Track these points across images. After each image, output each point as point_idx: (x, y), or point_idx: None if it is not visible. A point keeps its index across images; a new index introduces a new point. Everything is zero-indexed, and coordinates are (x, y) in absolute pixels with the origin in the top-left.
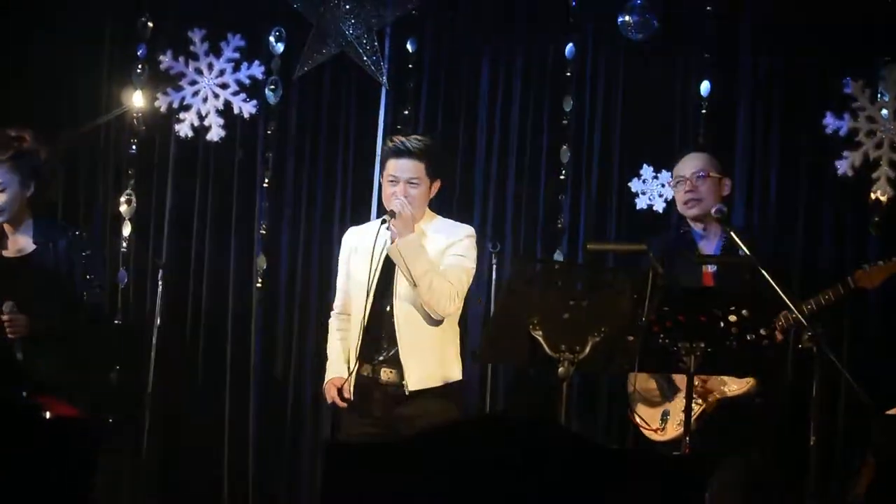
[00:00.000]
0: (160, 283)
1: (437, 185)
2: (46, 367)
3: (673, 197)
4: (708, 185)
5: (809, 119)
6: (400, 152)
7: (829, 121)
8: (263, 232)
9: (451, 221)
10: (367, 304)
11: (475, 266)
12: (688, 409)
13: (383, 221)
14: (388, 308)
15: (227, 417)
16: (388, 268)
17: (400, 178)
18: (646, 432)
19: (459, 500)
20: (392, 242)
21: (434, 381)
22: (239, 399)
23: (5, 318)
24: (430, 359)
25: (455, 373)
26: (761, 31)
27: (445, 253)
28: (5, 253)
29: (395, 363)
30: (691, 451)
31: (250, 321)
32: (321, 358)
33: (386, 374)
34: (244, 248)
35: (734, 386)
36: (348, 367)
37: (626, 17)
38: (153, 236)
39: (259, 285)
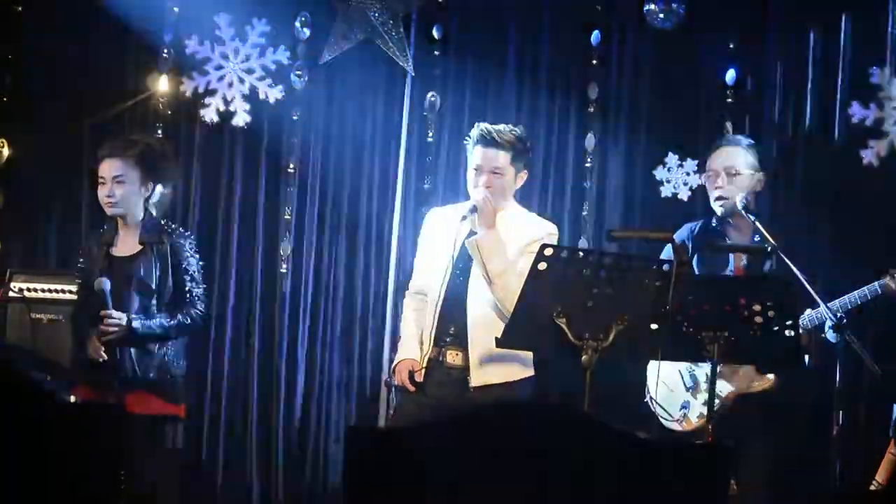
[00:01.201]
0: None
1: (522, 175)
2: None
3: (698, 186)
4: (738, 182)
5: (835, 108)
6: (486, 141)
7: (856, 110)
8: (289, 217)
9: (535, 216)
10: (444, 287)
11: None
12: (711, 398)
13: (463, 218)
14: (460, 294)
15: (255, 401)
16: (466, 257)
17: (485, 167)
18: (665, 423)
19: (482, 486)
20: (470, 234)
21: (500, 377)
22: (266, 385)
23: (108, 322)
24: (499, 355)
25: (525, 369)
26: (787, 20)
27: (526, 251)
28: (115, 251)
29: (462, 348)
30: (715, 440)
31: (276, 305)
32: (348, 344)
33: (452, 357)
34: (270, 233)
35: (757, 382)
36: (421, 350)
37: (652, 5)
38: (179, 221)
39: (284, 270)
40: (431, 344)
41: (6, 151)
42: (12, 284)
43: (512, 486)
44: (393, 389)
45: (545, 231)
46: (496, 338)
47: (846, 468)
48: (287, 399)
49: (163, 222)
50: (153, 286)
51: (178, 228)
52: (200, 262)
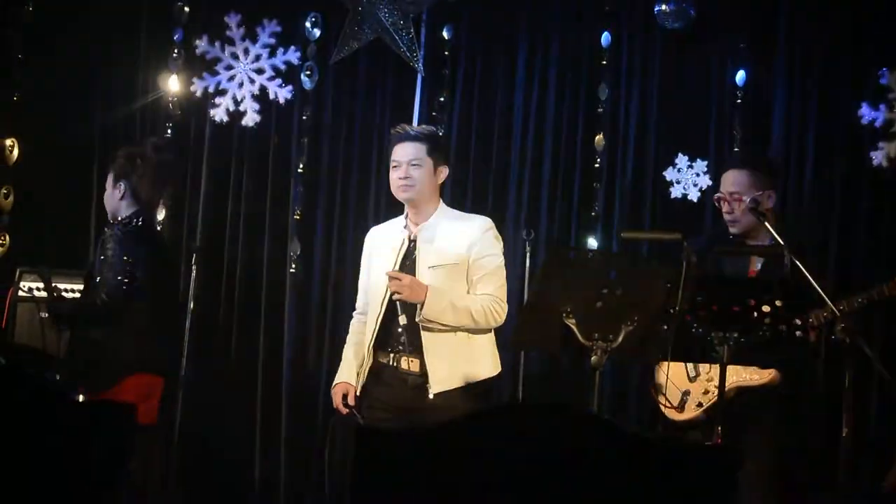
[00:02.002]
0: (194, 267)
1: (443, 170)
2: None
3: (708, 187)
4: (744, 206)
5: (845, 110)
6: (400, 137)
7: (865, 112)
8: (298, 217)
9: (462, 214)
10: (383, 304)
11: (502, 257)
12: (720, 399)
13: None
14: (409, 312)
15: (260, 401)
16: (409, 263)
17: (402, 161)
18: (665, 410)
19: (491, 488)
20: (410, 244)
21: (460, 382)
22: (271, 383)
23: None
24: (455, 361)
25: (486, 370)
26: (798, 21)
27: (471, 257)
28: None
29: (418, 354)
30: (722, 442)
31: (283, 305)
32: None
33: (406, 363)
34: (278, 233)
35: (756, 375)
36: (358, 372)
37: (663, 6)
38: (188, 220)
39: (293, 270)
40: (373, 353)
41: (17, 150)
42: (22, 283)
43: (523, 487)
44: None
45: (481, 229)
46: (509, 339)
47: (853, 469)
48: (293, 398)
49: (119, 218)
50: (93, 274)
51: (119, 223)
52: (125, 256)
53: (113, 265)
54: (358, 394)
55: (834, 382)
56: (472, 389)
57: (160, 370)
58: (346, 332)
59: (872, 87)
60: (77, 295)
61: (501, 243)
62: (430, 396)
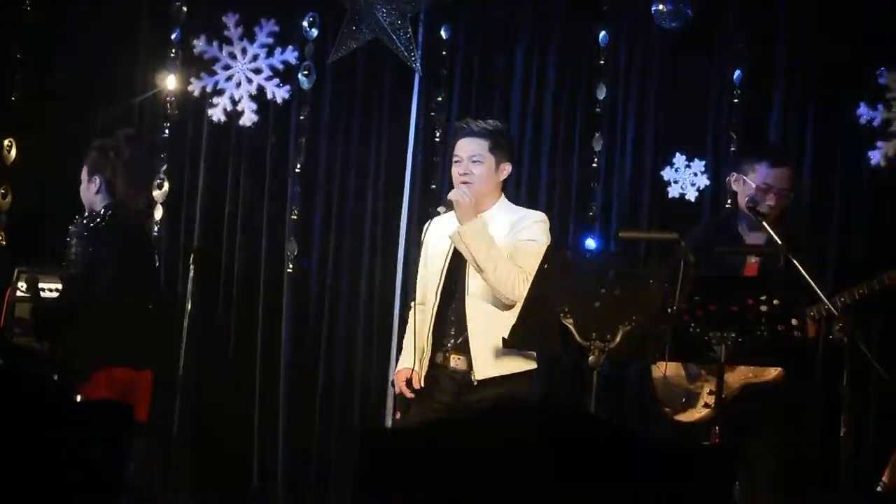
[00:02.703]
0: (192, 267)
1: (505, 167)
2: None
3: (706, 186)
4: (783, 201)
5: (843, 109)
6: (465, 133)
7: (863, 111)
8: (295, 217)
9: (522, 208)
10: (439, 291)
11: (544, 249)
12: (718, 398)
13: (436, 214)
14: (458, 295)
15: (258, 402)
16: (460, 259)
17: (462, 156)
18: (668, 413)
19: (490, 488)
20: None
21: (504, 370)
22: (269, 384)
23: None
24: (502, 349)
25: (528, 361)
26: (796, 20)
27: (514, 237)
28: None
29: (465, 350)
30: (721, 441)
31: (281, 306)
32: (351, 345)
33: (455, 361)
34: (276, 233)
35: (763, 372)
36: (420, 359)
37: (660, 6)
38: (185, 220)
39: (290, 270)
40: (430, 349)
41: (14, 150)
42: (20, 284)
43: (522, 487)
44: (396, 399)
45: (533, 218)
46: (503, 338)
47: (853, 468)
48: (291, 398)
49: (88, 213)
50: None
51: (84, 218)
52: (87, 251)
53: (74, 262)
54: (422, 382)
55: (832, 382)
56: (517, 380)
57: (135, 365)
58: (344, 332)
59: (871, 86)
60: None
61: (548, 239)
62: (475, 384)
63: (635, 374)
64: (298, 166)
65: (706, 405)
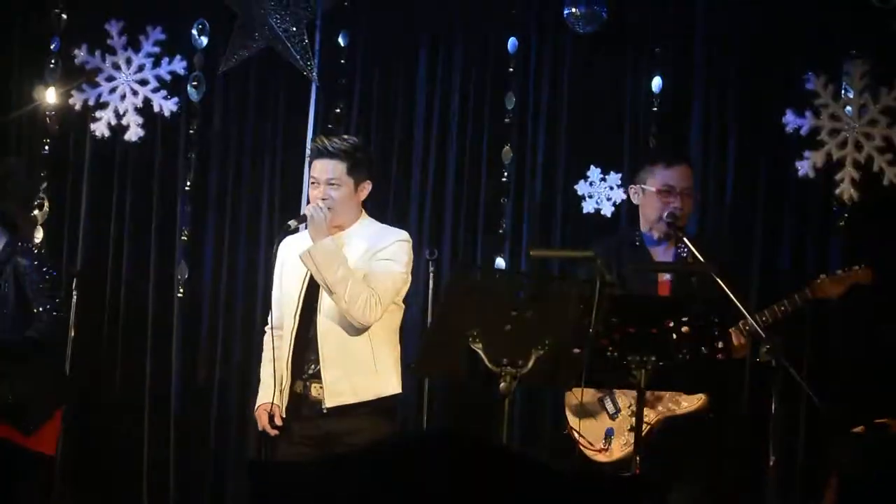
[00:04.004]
0: (75, 292)
1: (365, 186)
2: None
3: (622, 201)
4: (690, 203)
5: (768, 117)
6: (320, 153)
7: (790, 119)
8: (185, 238)
9: (384, 226)
10: (297, 314)
11: (407, 272)
12: (638, 427)
13: (286, 228)
14: (314, 319)
15: (147, 437)
16: (315, 281)
17: (320, 179)
18: (588, 452)
19: None
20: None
21: (357, 396)
22: (158, 417)
23: None
24: (353, 372)
25: (389, 386)
26: (717, 23)
27: (371, 257)
28: None
29: (322, 378)
30: (641, 472)
31: (171, 334)
32: (247, 372)
33: (316, 390)
34: (164, 256)
35: (685, 403)
36: (280, 390)
37: (573, 9)
38: (67, 243)
39: (180, 295)
40: (289, 378)
41: None
42: None
43: None
44: (261, 436)
45: (394, 237)
46: (408, 364)
47: (781, 501)
48: (182, 429)
49: (20, 243)
50: (6, 305)
51: (28, 245)
52: (48, 276)
53: (40, 293)
54: (283, 414)
55: (760, 407)
56: (374, 406)
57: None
58: (238, 360)
59: (797, 92)
60: None
61: (409, 260)
62: (324, 410)
63: (551, 401)
64: (188, 184)
65: (627, 443)
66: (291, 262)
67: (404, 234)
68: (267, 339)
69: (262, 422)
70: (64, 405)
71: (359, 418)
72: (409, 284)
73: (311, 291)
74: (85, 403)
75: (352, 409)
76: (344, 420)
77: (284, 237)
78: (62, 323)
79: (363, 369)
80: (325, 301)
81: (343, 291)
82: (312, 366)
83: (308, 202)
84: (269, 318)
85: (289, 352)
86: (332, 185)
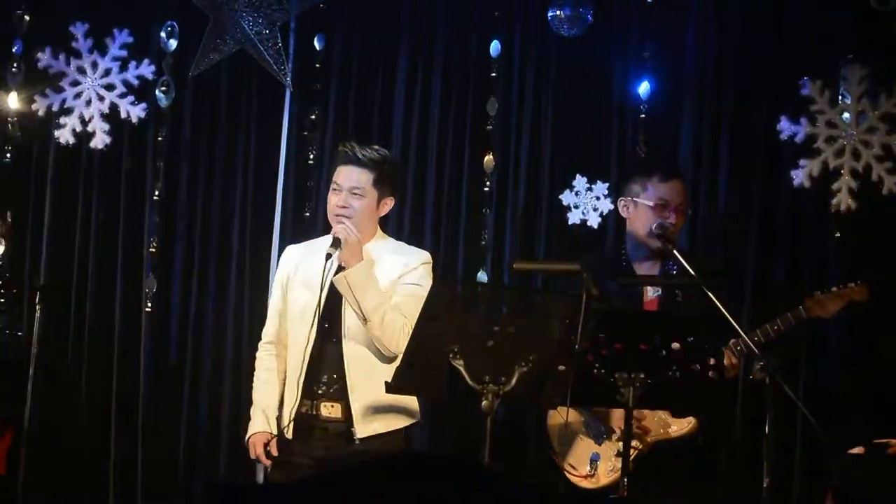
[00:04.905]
0: (38, 307)
1: (388, 202)
2: None
3: (610, 212)
4: (683, 219)
5: (762, 124)
6: (348, 159)
7: (785, 126)
8: (153, 250)
9: (404, 245)
10: (312, 330)
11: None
12: (626, 448)
13: (328, 256)
14: (335, 338)
15: (112, 459)
16: (335, 296)
17: (343, 186)
18: (573, 478)
19: None
20: (338, 271)
21: (387, 425)
22: (125, 439)
23: None
24: (383, 402)
25: (412, 415)
26: (708, 26)
27: (399, 281)
28: None
29: (339, 398)
30: (629, 496)
31: (139, 350)
32: (217, 389)
33: (328, 410)
34: (132, 269)
35: (675, 427)
36: (279, 414)
37: (558, 11)
38: (30, 255)
39: (149, 309)
40: (299, 397)
41: None
42: None
43: None
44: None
45: (420, 260)
46: (386, 382)
47: None
48: (150, 452)
49: None
50: None
51: None
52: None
53: None
54: (289, 436)
55: (753, 427)
56: (398, 436)
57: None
58: (209, 379)
59: (792, 98)
60: None
61: (431, 281)
62: (357, 442)
63: (536, 420)
64: (156, 193)
65: (615, 469)
66: (303, 275)
67: (427, 256)
68: (261, 354)
69: (258, 451)
70: (12, 425)
71: (378, 445)
72: None
73: (332, 308)
74: (48, 422)
75: (379, 439)
76: (363, 447)
77: (290, 248)
78: (14, 341)
79: (390, 398)
80: (351, 322)
81: (378, 320)
82: (326, 387)
83: (319, 211)
84: (263, 333)
85: (301, 370)
86: (355, 194)
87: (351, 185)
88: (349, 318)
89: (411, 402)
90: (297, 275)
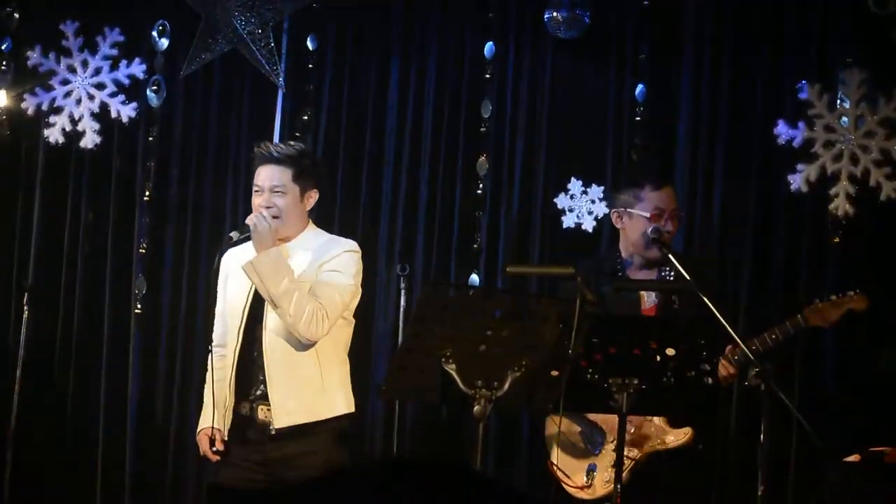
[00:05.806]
0: (26, 308)
1: (312, 195)
2: None
3: (605, 215)
4: (677, 224)
5: (759, 128)
6: (265, 159)
7: (782, 130)
8: (143, 251)
9: (332, 236)
10: (241, 331)
11: (356, 284)
12: (619, 457)
13: (229, 240)
14: (259, 336)
15: (101, 460)
16: (260, 298)
17: (264, 187)
18: (569, 489)
19: None
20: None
21: (305, 416)
22: (114, 440)
23: None
24: (300, 390)
25: (339, 405)
26: (705, 28)
27: (319, 270)
28: None
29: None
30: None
31: (128, 351)
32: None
33: (263, 413)
34: (121, 270)
35: (671, 437)
36: (223, 412)
37: (554, 13)
38: (18, 255)
39: (138, 311)
40: (232, 399)
41: None
42: None
43: None
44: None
45: (342, 248)
46: (378, 387)
47: None
48: (139, 454)
49: None
50: None
51: None
52: None
53: None
54: (226, 438)
55: (748, 434)
56: (325, 427)
57: None
58: (198, 381)
59: (790, 101)
60: None
61: (358, 271)
62: (273, 432)
63: (529, 426)
64: (147, 194)
65: (610, 480)
66: (235, 276)
67: (353, 245)
68: (212, 356)
69: (203, 447)
70: None
71: (309, 440)
72: (358, 298)
73: (256, 306)
74: (35, 424)
75: (301, 431)
76: (294, 443)
77: (227, 250)
78: None
79: (311, 388)
80: (270, 316)
81: (288, 305)
82: (260, 387)
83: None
84: (213, 336)
85: (232, 370)
86: (277, 192)
87: (272, 185)
88: (270, 313)
89: (338, 392)
90: (231, 275)
